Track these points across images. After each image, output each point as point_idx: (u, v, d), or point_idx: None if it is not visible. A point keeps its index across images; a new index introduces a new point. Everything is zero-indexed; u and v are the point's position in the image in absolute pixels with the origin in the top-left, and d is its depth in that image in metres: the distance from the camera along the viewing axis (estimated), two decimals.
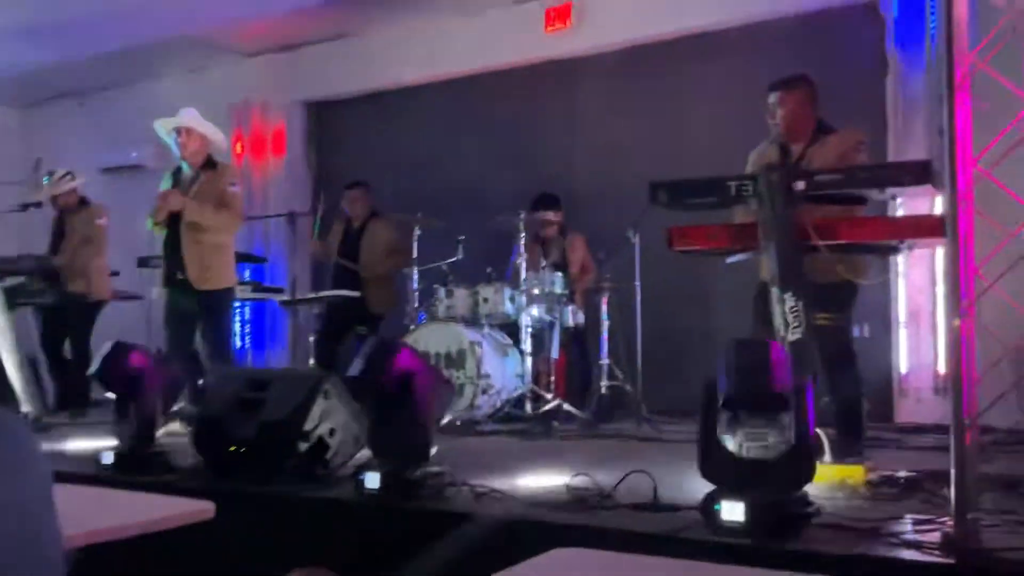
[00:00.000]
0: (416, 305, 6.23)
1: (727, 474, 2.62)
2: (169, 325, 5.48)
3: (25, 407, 6.13)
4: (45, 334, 6.80)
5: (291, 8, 7.60)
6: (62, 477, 3.60)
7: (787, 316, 3.61)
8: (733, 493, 2.57)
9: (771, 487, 2.59)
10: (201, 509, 2.51)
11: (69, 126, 9.90)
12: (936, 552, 2.32)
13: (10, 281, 6.48)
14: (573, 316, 6.08)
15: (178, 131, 5.37)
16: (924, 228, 3.51)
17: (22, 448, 1.24)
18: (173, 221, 5.28)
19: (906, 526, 2.61)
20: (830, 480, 3.34)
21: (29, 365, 6.69)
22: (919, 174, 3.38)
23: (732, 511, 2.54)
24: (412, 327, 6.06)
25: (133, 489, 3.51)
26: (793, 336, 3.60)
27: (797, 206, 3.60)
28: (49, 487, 1.41)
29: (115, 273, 7.16)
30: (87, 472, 3.87)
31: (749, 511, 2.52)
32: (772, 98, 4.22)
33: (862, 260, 3.98)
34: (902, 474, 3.44)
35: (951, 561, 2.28)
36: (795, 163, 4.13)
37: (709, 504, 2.60)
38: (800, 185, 3.56)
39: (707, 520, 2.59)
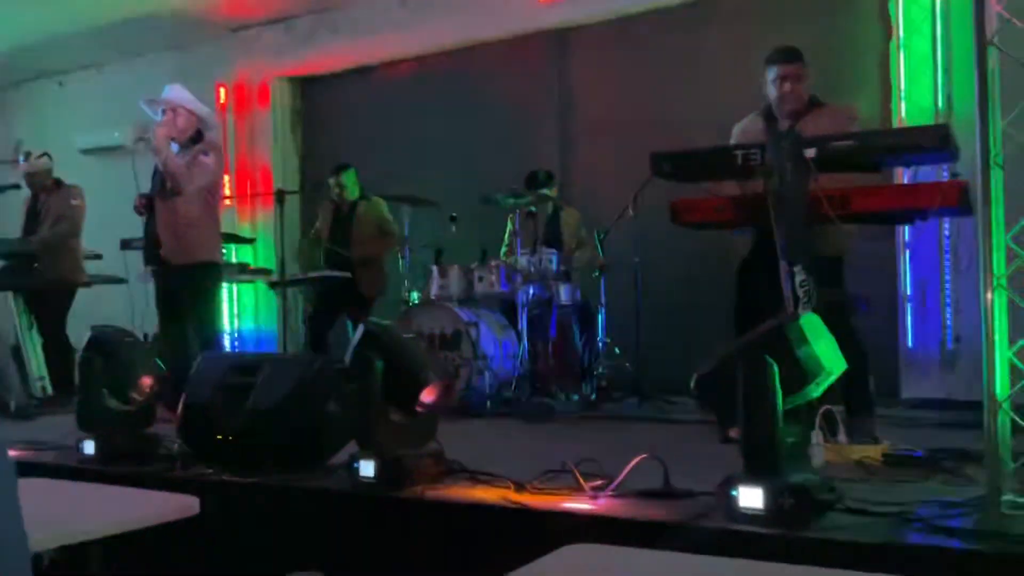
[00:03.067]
0: (408, 286, 6.05)
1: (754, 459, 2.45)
2: (158, 307, 5.34)
3: (8, 395, 5.98)
4: (32, 318, 6.61)
5: None
6: (41, 469, 3.45)
7: (797, 291, 3.47)
8: (751, 478, 2.42)
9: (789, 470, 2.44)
10: (184, 506, 2.36)
11: (49, 106, 9.67)
12: (971, 539, 2.17)
13: None
14: (570, 294, 5.91)
15: (165, 109, 5.19)
16: (943, 195, 3.35)
17: None
18: (151, 201, 5.16)
19: (934, 510, 2.46)
20: (846, 460, 3.20)
21: (11, 352, 6.52)
22: (939, 139, 3.22)
23: (750, 497, 2.40)
24: (405, 308, 5.89)
25: (115, 480, 3.37)
26: (804, 311, 3.45)
27: (808, 175, 3.44)
28: (11, 486, 1.26)
29: (97, 256, 6.98)
30: (69, 463, 3.72)
31: (768, 497, 2.37)
32: (775, 72, 4.02)
33: (847, 233, 3.79)
34: (919, 454, 3.30)
35: (987, 549, 2.13)
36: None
37: (725, 490, 2.45)
38: (811, 152, 3.40)
39: (724, 507, 2.44)
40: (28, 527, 1.60)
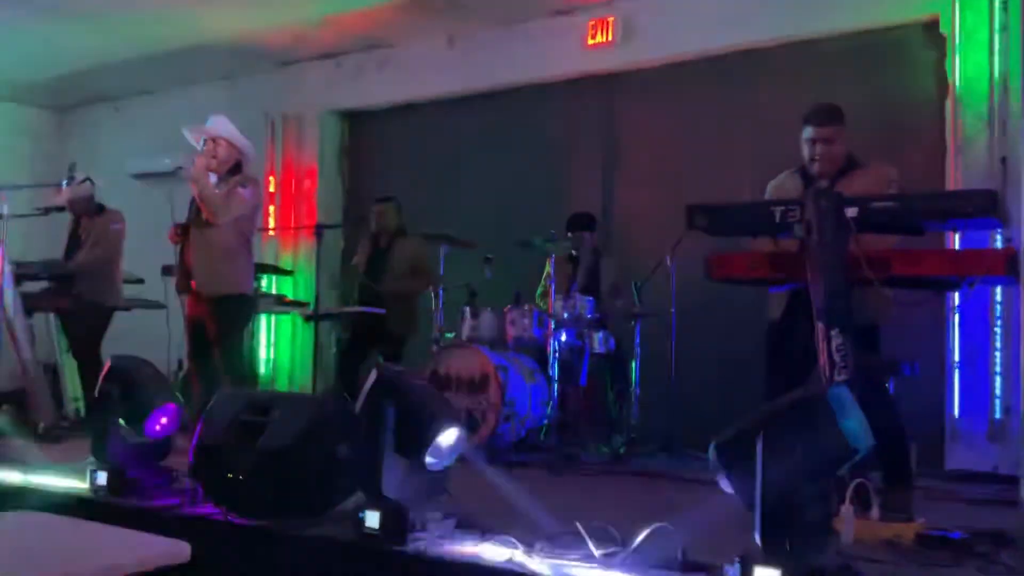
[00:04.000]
0: (440, 326, 5.97)
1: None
2: (187, 336, 5.33)
3: (38, 416, 6.01)
4: (69, 340, 6.66)
5: (327, 16, 7.44)
6: (52, 498, 3.41)
7: (833, 355, 3.32)
8: (768, 556, 2.28)
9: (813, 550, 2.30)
10: (173, 553, 2.28)
11: (104, 130, 9.85)
12: None
13: (28, 286, 6.37)
14: (603, 342, 5.79)
15: (206, 139, 5.23)
16: (988, 263, 3.20)
17: None
18: (187, 230, 5.16)
19: None
20: (876, 538, 3.02)
21: (47, 373, 6.57)
22: (985, 204, 3.08)
23: None
24: (435, 349, 5.81)
25: (123, 514, 3.33)
26: (840, 377, 3.30)
27: (848, 235, 3.31)
28: None
29: (140, 280, 7.02)
30: (79, 491, 3.68)
31: None
32: (814, 132, 3.90)
33: (885, 299, 3.62)
34: (956, 535, 3.11)
35: None
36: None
37: (743, 569, 2.31)
38: (853, 212, 3.27)
39: None
40: (14, 567, 1.55)
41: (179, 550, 2.28)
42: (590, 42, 7.05)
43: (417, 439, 2.90)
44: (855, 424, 2.31)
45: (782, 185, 4.02)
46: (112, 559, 2.21)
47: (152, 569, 2.22)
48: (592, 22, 7.03)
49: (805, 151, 3.91)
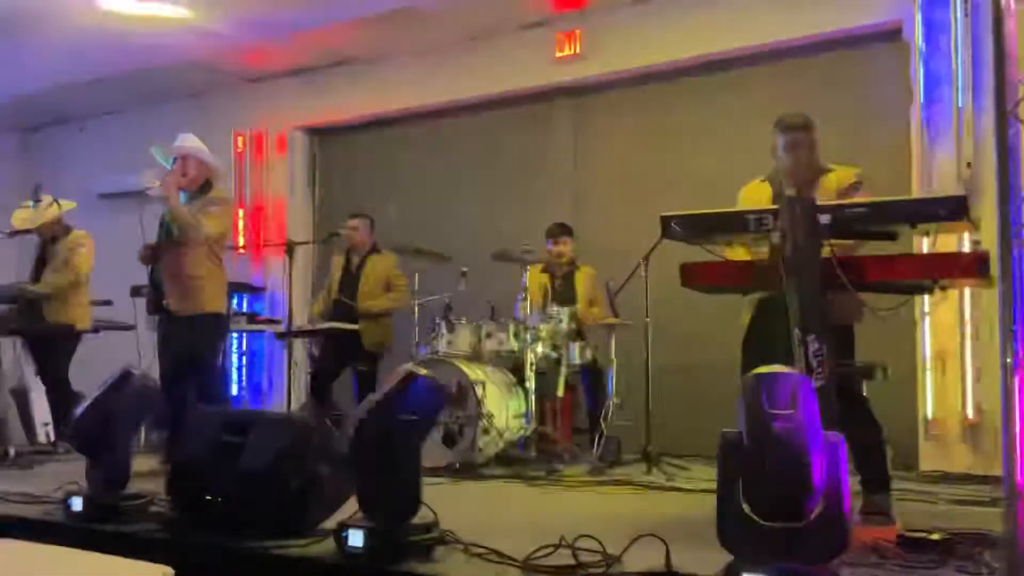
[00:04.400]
0: (416, 340, 5.95)
1: (749, 542, 2.33)
2: (160, 356, 5.27)
3: (8, 441, 5.91)
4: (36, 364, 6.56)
5: (294, 32, 7.41)
6: (27, 526, 3.34)
7: (811, 361, 3.34)
8: (756, 565, 2.28)
9: (799, 558, 2.30)
10: None
11: (69, 151, 9.73)
12: None
13: None
14: (580, 353, 5.79)
15: (176, 158, 5.20)
16: (960, 267, 3.24)
17: None
18: (157, 251, 5.14)
19: None
20: (858, 542, 3.04)
21: (15, 397, 6.46)
22: (955, 209, 3.11)
23: None
24: (411, 364, 5.77)
25: (97, 541, 3.27)
26: (817, 382, 3.32)
27: (820, 242, 3.34)
28: None
29: (107, 302, 6.93)
30: (55, 519, 3.61)
31: None
32: (786, 139, 3.94)
33: (859, 301, 3.66)
34: (936, 536, 3.13)
35: None
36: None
37: None
38: (826, 218, 3.29)
39: None
40: None
41: (163, 574, 2.25)
42: (558, 55, 7.09)
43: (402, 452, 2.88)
44: None
45: (751, 193, 4.04)
46: None
47: None
48: (560, 35, 7.07)
49: (777, 158, 3.95)
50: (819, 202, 3.39)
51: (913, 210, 3.24)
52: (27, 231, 6.15)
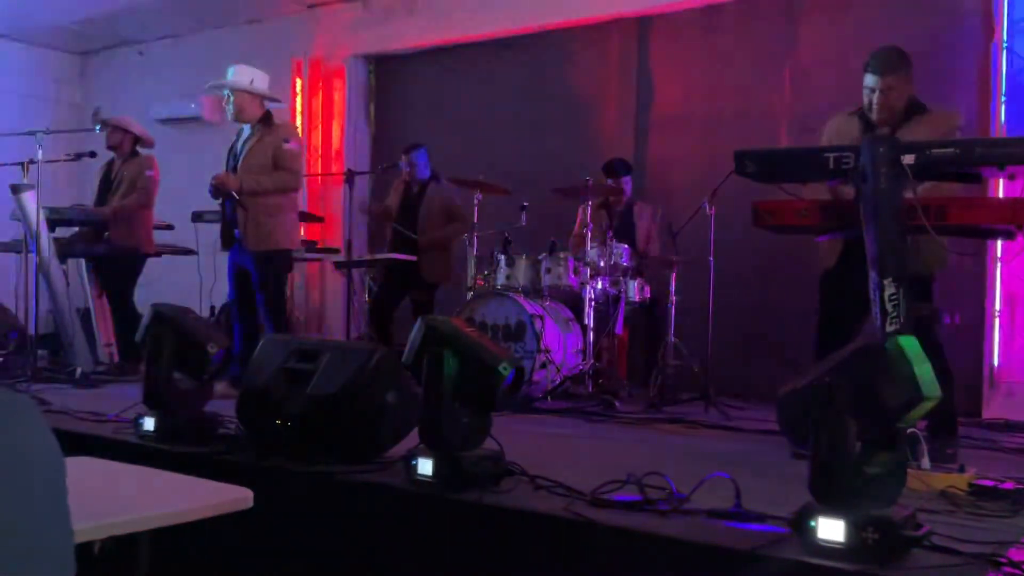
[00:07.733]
0: (474, 273, 5.94)
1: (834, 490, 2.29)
2: (231, 284, 5.36)
3: (75, 361, 6.05)
4: (101, 286, 6.68)
5: None
6: (100, 443, 3.42)
7: (886, 305, 3.27)
8: (832, 508, 2.26)
9: (874, 502, 2.28)
10: (237, 499, 2.28)
11: (128, 75, 9.76)
12: None
13: (61, 233, 6.36)
14: (639, 291, 5.75)
15: (228, 92, 5.19)
16: None
17: (27, 434, 1.12)
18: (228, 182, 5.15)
19: None
20: (930, 489, 3.01)
21: (80, 318, 6.60)
22: None
23: (830, 529, 2.24)
24: (469, 296, 5.79)
25: (173, 459, 3.35)
26: (892, 327, 3.26)
27: (904, 183, 3.24)
28: (59, 477, 1.19)
29: (169, 227, 7.01)
30: (127, 439, 3.70)
31: (850, 530, 2.21)
32: (876, 81, 3.75)
33: (941, 247, 3.54)
34: (1009, 485, 3.08)
35: None
36: None
37: (803, 519, 2.29)
38: (909, 159, 3.20)
39: (800, 537, 2.29)
40: (78, 513, 1.54)
41: (242, 496, 2.29)
42: None
43: (477, 386, 2.88)
44: (926, 373, 2.27)
45: (839, 128, 3.90)
46: (175, 505, 2.22)
47: (215, 515, 2.23)
48: None
49: (865, 98, 3.80)
50: (904, 140, 3.29)
51: (1004, 151, 3.12)
52: (93, 154, 6.17)
